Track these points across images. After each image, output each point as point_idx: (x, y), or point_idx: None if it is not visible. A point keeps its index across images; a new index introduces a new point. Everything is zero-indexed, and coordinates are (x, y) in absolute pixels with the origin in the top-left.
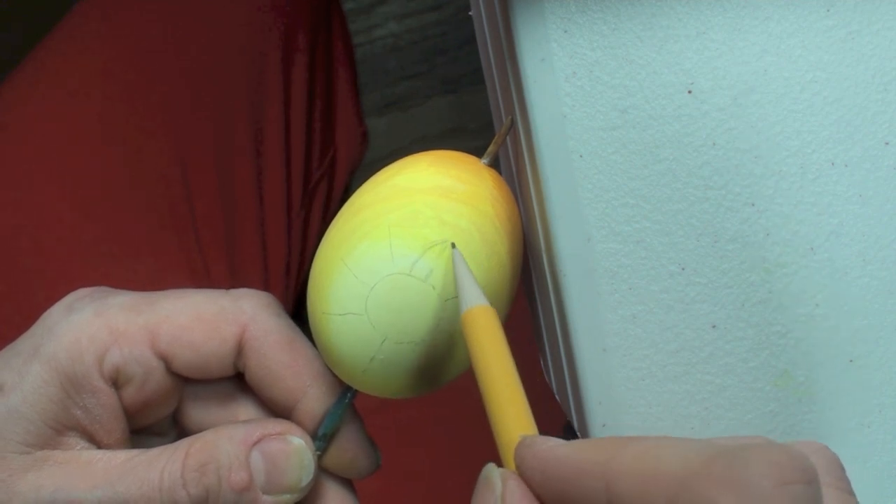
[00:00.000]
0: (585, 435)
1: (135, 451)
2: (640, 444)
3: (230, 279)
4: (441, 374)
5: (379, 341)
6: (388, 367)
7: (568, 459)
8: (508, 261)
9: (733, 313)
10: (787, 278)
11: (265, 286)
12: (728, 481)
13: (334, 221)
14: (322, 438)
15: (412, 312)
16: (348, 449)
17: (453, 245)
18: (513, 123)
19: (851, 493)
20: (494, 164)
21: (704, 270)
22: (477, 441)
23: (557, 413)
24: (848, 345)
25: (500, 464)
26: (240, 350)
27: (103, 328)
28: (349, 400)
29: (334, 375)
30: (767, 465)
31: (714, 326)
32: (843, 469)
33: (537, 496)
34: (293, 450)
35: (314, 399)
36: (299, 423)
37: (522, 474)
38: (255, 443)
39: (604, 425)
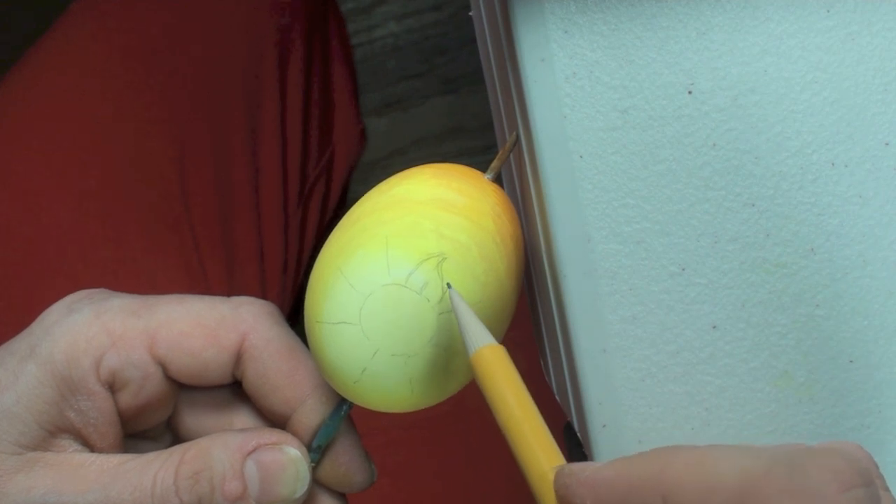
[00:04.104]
0: (585, 435)
1: (128, 456)
2: (692, 453)
3: (227, 278)
4: (434, 390)
5: (371, 352)
6: (380, 379)
7: (618, 479)
8: (507, 278)
9: (733, 314)
10: (787, 279)
11: (262, 285)
12: (791, 492)
13: (335, 230)
14: (316, 450)
15: (406, 324)
16: (342, 462)
17: (449, 285)
18: (517, 139)
19: (888, 490)
20: (496, 176)
21: (705, 271)
22: (480, 440)
23: (557, 413)
24: (848, 345)
25: (501, 473)
26: (239, 358)
27: (102, 331)
28: (344, 412)
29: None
30: (827, 471)
31: (714, 327)
32: (878, 467)
33: None
34: (288, 460)
35: (311, 410)
36: (295, 434)
37: None
38: (251, 452)
39: (604, 426)
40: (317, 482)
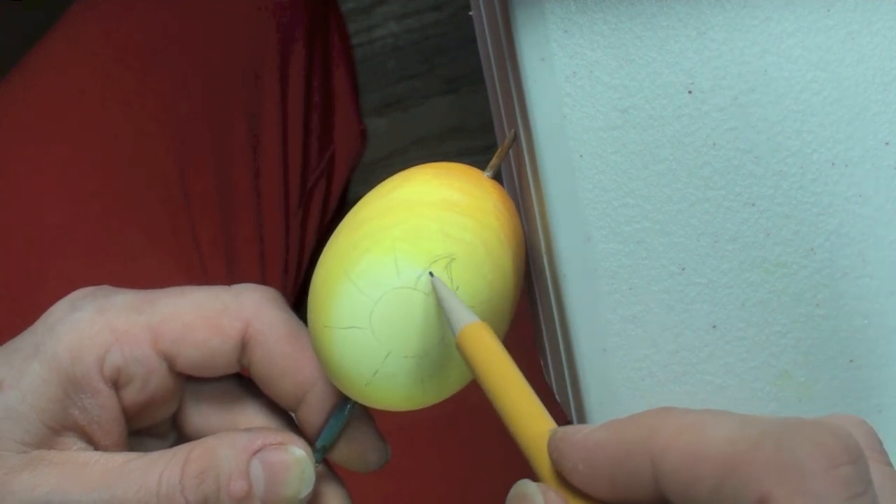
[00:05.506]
0: None
1: (133, 454)
2: (683, 418)
3: (228, 279)
4: (444, 387)
5: (383, 355)
6: (392, 381)
7: (609, 442)
8: (512, 274)
9: (733, 313)
10: (787, 278)
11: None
12: (776, 465)
13: (335, 234)
14: (321, 450)
15: (417, 326)
16: (358, 443)
17: (431, 274)
18: (515, 136)
19: (890, 465)
20: (496, 174)
21: (704, 270)
22: (485, 441)
23: (557, 413)
24: (848, 345)
25: (507, 474)
26: (244, 346)
27: (105, 328)
28: (349, 412)
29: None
30: (815, 446)
31: (714, 326)
32: (880, 441)
33: (582, 490)
34: (293, 460)
35: (322, 392)
36: (307, 417)
37: (563, 468)
38: (256, 451)
39: None
40: (333, 461)
